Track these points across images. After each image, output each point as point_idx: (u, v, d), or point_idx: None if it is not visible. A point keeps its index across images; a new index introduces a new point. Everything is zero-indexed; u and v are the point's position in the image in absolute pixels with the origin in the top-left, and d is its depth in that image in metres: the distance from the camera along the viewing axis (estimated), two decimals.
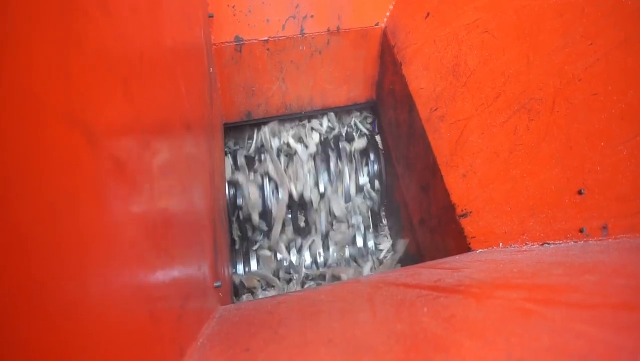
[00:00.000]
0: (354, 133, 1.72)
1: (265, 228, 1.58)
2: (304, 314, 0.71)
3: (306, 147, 1.65)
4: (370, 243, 1.64)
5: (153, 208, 0.50)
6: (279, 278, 1.55)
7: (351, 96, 1.64)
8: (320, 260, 1.60)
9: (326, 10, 1.42)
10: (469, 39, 1.03)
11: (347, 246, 1.62)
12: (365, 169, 1.66)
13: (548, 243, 0.75)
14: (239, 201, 1.55)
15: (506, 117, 0.89)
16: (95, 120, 0.36)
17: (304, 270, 1.56)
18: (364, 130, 1.73)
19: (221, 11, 1.36)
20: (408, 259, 1.48)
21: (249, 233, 1.58)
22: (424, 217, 1.23)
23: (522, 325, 0.45)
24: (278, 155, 1.63)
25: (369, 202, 1.67)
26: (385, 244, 1.64)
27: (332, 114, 1.72)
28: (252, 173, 1.59)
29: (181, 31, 0.79)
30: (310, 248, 1.61)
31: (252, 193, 1.54)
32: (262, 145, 1.66)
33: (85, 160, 0.34)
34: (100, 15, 0.39)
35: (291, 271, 1.57)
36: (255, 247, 1.58)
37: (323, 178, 1.61)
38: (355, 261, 1.61)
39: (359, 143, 1.67)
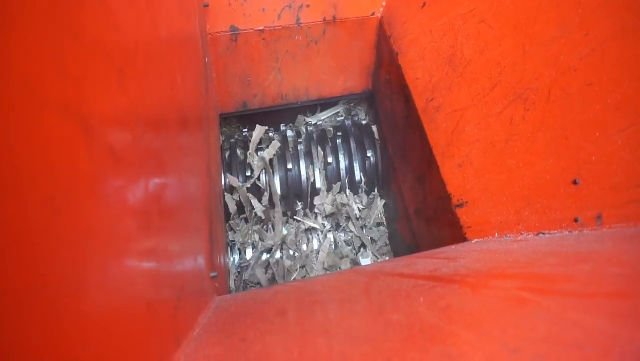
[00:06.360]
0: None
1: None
2: (300, 304, 0.71)
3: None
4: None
5: (149, 198, 0.50)
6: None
7: (347, 86, 1.63)
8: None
9: (322, 0, 1.41)
10: (465, 29, 1.02)
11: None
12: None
13: (543, 233, 0.76)
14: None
15: (502, 107, 0.89)
16: (90, 110, 0.35)
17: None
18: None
19: (216, 0, 1.35)
20: (404, 249, 1.49)
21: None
22: (420, 207, 1.23)
23: (518, 315, 0.45)
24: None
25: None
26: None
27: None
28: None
29: (176, 21, 0.78)
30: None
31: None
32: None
33: (81, 151, 0.33)
34: (96, 6, 0.38)
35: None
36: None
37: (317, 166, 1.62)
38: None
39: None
